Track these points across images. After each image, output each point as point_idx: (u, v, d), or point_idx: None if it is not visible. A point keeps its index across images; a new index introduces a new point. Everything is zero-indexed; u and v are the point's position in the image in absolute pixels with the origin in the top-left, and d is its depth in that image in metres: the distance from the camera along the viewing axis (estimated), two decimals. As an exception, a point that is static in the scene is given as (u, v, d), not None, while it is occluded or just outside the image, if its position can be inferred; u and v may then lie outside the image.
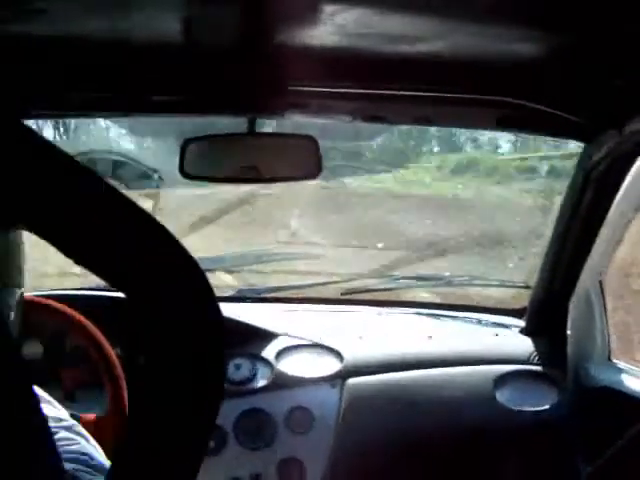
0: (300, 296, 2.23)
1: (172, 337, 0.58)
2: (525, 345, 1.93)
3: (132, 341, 1.46)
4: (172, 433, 0.58)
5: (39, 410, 0.60)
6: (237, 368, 1.81)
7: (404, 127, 5.29)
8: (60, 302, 1.59)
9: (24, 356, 1.68)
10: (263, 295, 2.18)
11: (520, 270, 3.45)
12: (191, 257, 0.59)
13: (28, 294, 1.54)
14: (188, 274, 0.59)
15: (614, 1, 0.90)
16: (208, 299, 0.59)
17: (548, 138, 3.80)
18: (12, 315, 1.40)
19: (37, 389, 0.92)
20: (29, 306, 1.49)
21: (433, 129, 5.70)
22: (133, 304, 0.58)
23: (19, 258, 1.45)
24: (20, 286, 1.44)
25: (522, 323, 2.00)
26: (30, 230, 0.58)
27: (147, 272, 0.58)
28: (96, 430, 1.34)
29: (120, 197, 0.59)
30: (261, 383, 1.81)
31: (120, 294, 0.60)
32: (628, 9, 0.90)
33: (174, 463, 0.59)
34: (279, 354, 1.87)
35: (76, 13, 1.01)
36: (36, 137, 0.58)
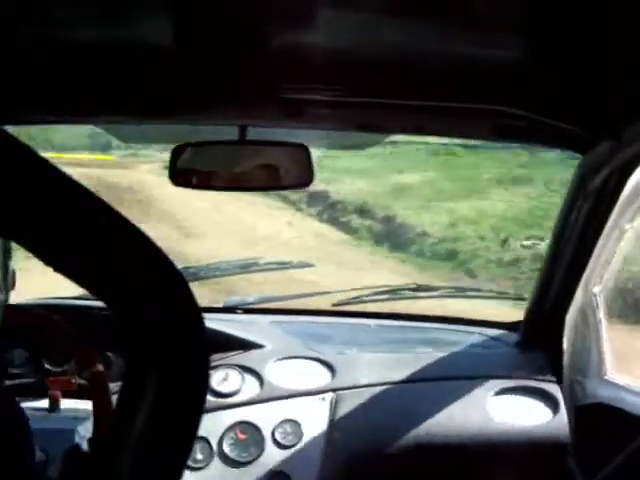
0: (290, 307, 2.20)
1: (153, 348, 0.56)
2: (520, 359, 1.91)
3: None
4: (151, 443, 0.57)
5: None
6: (224, 380, 1.78)
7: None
8: (49, 310, 1.57)
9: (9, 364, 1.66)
10: (252, 306, 2.16)
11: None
12: (174, 267, 0.58)
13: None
14: (171, 285, 0.57)
15: (608, 8, 0.89)
16: (190, 310, 0.57)
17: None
18: None
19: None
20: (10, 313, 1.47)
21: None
22: (114, 313, 0.57)
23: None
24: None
25: (516, 337, 1.98)
26: (7, 237, 0.57)
27: (127, 282, 0.57)
28: None
29: (103, 205, 0.58)
30: (249, 395, 1.78)
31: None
32: (622, 15, 0.89)
33: (153, 473, 0.57)
34: (268, 366, 1.84)
35: (64, 18, 0.99)
36: (19, 145, 0.56)
